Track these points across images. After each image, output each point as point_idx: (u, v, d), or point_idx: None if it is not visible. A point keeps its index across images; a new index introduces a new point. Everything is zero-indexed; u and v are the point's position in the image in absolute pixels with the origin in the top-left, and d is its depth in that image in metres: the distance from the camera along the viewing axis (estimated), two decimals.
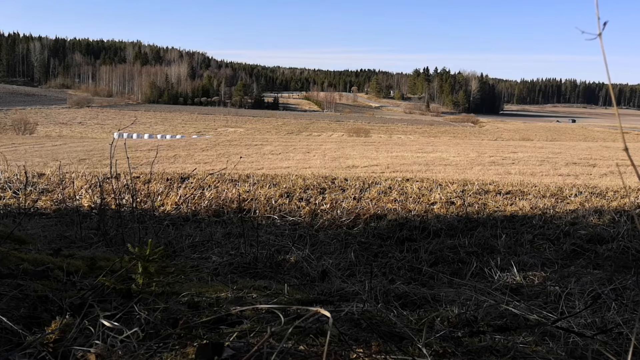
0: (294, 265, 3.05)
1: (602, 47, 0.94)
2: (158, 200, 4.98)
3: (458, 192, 5.84)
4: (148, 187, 5.55)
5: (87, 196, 5.11)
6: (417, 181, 6.87)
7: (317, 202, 5.12)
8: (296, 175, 7.31)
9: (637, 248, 3.65)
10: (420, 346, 1.50)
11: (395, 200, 5.19)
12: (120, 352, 1.35)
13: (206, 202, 4.89)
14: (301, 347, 1.44)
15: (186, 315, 1.66)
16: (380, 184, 6.33)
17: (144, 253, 1.95)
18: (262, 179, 6.60)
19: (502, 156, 20.72)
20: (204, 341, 1.42)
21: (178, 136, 53.64)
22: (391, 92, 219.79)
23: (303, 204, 5.01)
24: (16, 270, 2.02)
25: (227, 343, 1.41)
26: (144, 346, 1.39)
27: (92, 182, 5.84)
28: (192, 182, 5.94)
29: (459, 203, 5.13)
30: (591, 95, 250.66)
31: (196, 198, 5.03)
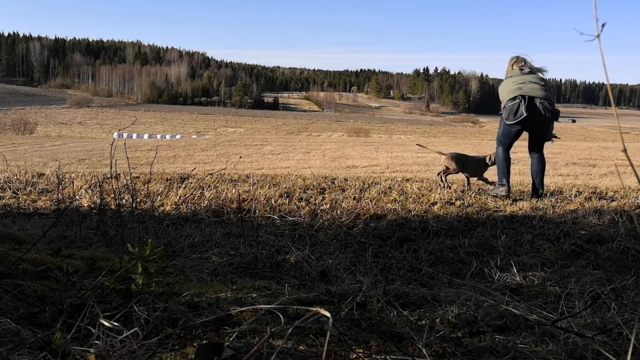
0: (294, 265, 3.05)
1: (601, 48, 0.94)
2: (158, 200, 4.98)
3: (458, 192, 5.84)
4: (148, 187, 5.55)
5: (87, 196, 5.10)
6: (417, 181, 6.87)
7: (317, 202, 5.11)
8: (296, 175, 7.30)
9: (637, 248, 3.65)
10: (420, 346, 1.50)
11: (395, 200, 5.19)
12: (120, 352, 1.35)
13: (206, 202, 4.88)
14: (301, 347, 1.44)
15: (186, 316, 1.66)
16: (380, 184, 6.33)
17: (143, 253, 1.95)
18: (262, 179, 6.59)
19: None
20: (204, 341, 1.42)
21: (178, 136, 53.61)
22: (391, 92, 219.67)
23: (303, 204, 5.00)
24: (16, 270, 2.02)
25: (227, 343, 1.41)
26: (143, 346, 1.39)
27: (92, 182, 5.83)
28: (191, 182, 5.93)
29: (458, 203, 5.12)
30: (591, 95, 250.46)
31: (196, 198, 5.03)
